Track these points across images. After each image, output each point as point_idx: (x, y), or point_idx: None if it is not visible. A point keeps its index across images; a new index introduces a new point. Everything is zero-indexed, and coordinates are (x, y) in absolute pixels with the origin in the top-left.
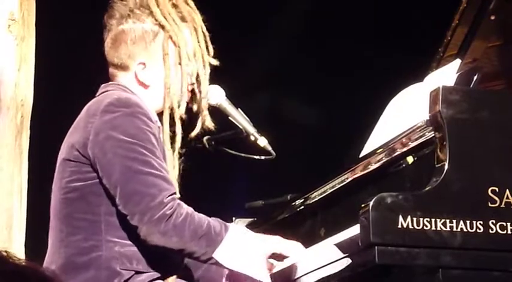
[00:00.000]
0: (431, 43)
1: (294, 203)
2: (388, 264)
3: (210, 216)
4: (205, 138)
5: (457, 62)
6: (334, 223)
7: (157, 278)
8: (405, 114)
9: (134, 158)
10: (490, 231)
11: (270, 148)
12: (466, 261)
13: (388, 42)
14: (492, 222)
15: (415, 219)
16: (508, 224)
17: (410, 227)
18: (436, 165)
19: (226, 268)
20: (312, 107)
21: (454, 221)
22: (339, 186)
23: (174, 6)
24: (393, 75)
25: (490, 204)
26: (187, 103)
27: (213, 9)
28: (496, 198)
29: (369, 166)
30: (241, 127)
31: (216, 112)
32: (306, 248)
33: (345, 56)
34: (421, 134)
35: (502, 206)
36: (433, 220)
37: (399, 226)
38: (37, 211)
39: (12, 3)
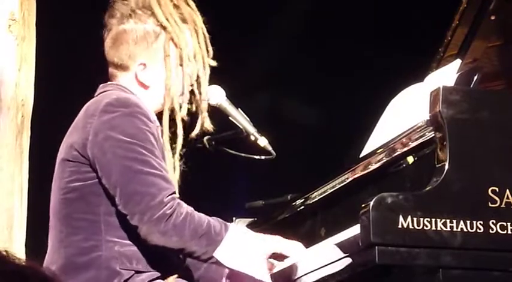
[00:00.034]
0: (431, 43)
1: (294, 203)
2: (389, 264)
3: (210, 216)
4: (205, 138)
5: (457, 62)
6: (335, 223)
7: (157, 278)
8: (405, 114)
9: (133, 157)
10: (490, 231)
11: (270, 148)
12: (466, 261)
13: (388, 42)
14: (492, 222)
15: (415, 219)
16: (508, 224)
17: (411, 227)
18: (437, 165)
19: (227, 267)
20: (312, 107)
21: (455, 221)
22: (339, 186)
23: (176, 7)
24: (393, 75)
25: (490, 204)
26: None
27: (213, 9)
28: (496, 198)
29: (369, 166)
30: (241, 127)
31: (216, 112)
32: (307, 248)
33: (345, 56)
34: (422, 134)
35: (502, 206)
36: (433, 220)
37: (399, 226)
38: (38, 211)
39: (13, 3)
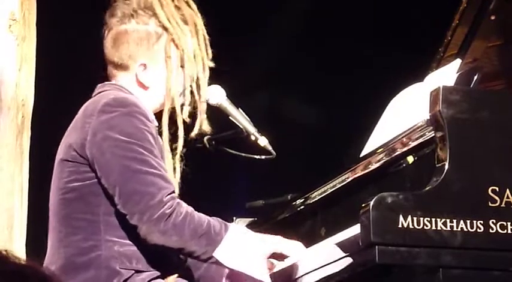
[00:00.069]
0: (431, 43)
1: (294, 203)
2: (389, 264)
3: (210, 216)
4: (205, 138)
5: (457, 62)
6: (335, 223)
7: (157, 277)
8: (405, 114)
9: (132, 157)
10: (491, 230)
11: (270, 148)
12: (466, 261)
13: (388, 42)
14: (492, 222)
15: (415, 218)
16: (508, 223)
17: (411, 226)
18: (437, 165)
19: (227, 267)
20: (312, 106)
21: (455, 221)
22: (340, 185)
23: (177, 8)
24: (393, 75)
25: (490, 204)
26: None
27: (213, 8)
28: (496, 197)
29: (369, 166)
30: (241, 127)
31: (216, 112)
32: (307, 247)
33: (344, 55)
34: (422, 133)
35: (503, 205)
36: (433, 220)
37: (399, 226)
38: (38, 211)
39: (13, 3)
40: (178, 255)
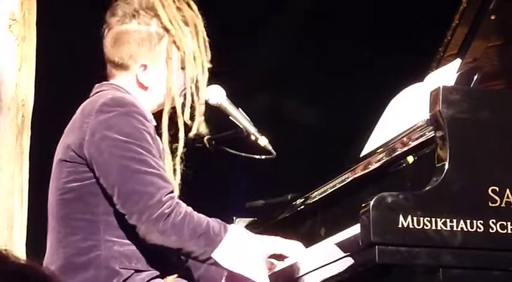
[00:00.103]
0: (431, 43)
1: (294, 203)
2: (389, 264)
3: (210, 216)
4: (205, 138)
5: (457, 62)
6: (335, 223)
7: (157, 277)
8: (405, 113)
9: (131, 157)
10: (491, 230)
11: (270, 148)
12: (466, 261)
13: (388, 42)
14: (492, 222)
15: (415, 218)
16: (508, 223)
17: (411, 226)
18: (437, 165)
19: (225, 269)
20: (312, 107)
21: (455, 221)
22: (340, 185)
23: (178, 9)
24: (393, 75)
25: (490, 204)
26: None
27: (214, 8)
28: (496, 197)
29: (370, 166)
30: (241, 127)
31: (216, 112)
32: (307, 247)
33: (344, 56)
34: (422, 133)
35: (503, 205)
36: (433, 219)
37: (399, 225)
38: (38, 211)
39: (13, 3)
40: (177, 255)
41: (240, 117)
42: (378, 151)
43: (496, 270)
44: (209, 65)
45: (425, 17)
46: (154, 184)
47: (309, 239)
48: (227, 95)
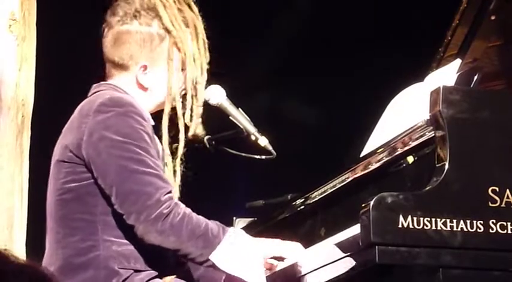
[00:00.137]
0: (431, 43)
1: (294, 203)
2: (389, 264)
3: (210, 216)
4: (205, 138)
5: (457, 62)
6: (335, 223)
7: (156, 277)
8: (406, 114)
9: (129, 157)
10: (491, 230)
11: (270, 148)
12: (466, 261)
13: (388, 42)
14: (492, 222)
15: (415, 218)
16: (508, 223)
17: (411, 226)
18: (437, 165)
19: (223, 271)
20: (312, 107)
21: (455, 221)
22: (340, 186)
23: (179, 10)
24: (393, 75)
25: (490, 204)
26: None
27: (214, 9)
28: (496, 197)
29: (370, 166)
30: (241, 127)
31: (216, 112)
32: (306, 247)
33: (345, 56)
34: (422, 133)
35: (503, 205)
36: (433, 220)
37: (399, 226)
38: (38, 211)
39: (13, 3)
40: (176, 255)
41: (240, 117)
42: (378, 151)
43: (496, 270)
44: (208, 67)
45: (425, 17)
46: (153, 184)
47: (309, 239)
48: (227, 95)
